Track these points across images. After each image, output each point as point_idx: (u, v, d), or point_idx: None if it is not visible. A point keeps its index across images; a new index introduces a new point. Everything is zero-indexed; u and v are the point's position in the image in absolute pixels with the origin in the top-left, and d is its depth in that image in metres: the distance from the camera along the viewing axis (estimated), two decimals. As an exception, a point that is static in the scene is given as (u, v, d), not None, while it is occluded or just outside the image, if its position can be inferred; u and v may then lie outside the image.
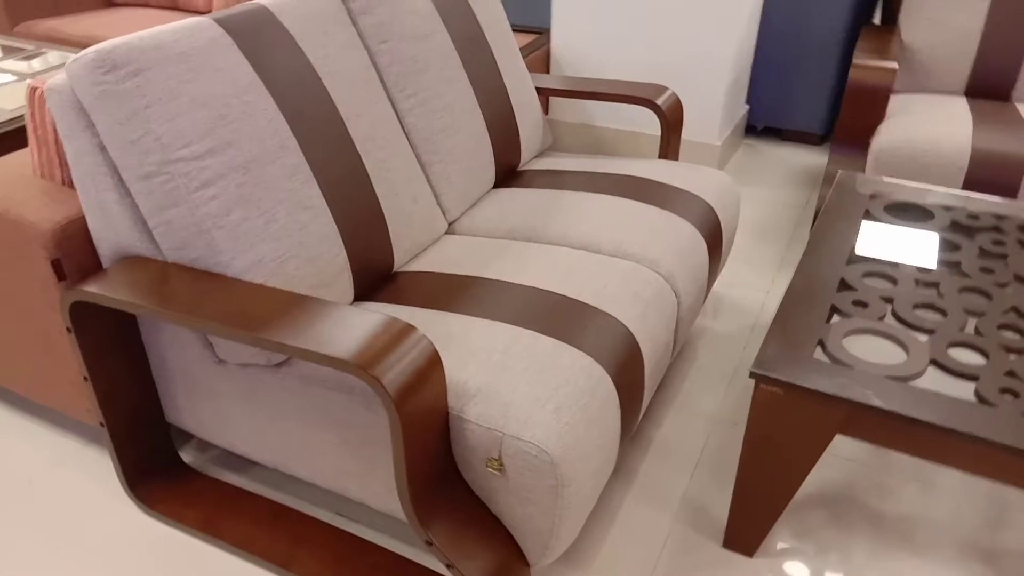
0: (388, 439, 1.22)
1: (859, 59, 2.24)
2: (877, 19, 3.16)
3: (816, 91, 3.08)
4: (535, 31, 3.11)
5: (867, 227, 1.66)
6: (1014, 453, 1.09)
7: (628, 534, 1.48)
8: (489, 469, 1.15)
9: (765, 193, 2.84)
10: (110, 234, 1.29)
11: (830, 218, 1.69)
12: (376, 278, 1.49)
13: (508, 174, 1.93)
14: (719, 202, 1.80)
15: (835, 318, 1.38)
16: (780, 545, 1.46)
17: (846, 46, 2.97)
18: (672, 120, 1.98)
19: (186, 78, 1.21)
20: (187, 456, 1.65)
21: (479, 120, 1.78)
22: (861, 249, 1.58)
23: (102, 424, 1.42)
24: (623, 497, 1.56)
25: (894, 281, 1.48)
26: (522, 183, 1.87)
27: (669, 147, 2.01)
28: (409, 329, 1.10)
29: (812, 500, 1.55)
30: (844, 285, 1.47)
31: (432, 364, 1.09)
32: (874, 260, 1.54)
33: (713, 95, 2.76)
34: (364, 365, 1.03)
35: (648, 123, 2.90)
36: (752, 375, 1.25)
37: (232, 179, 1.24)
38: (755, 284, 2.28)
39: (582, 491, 1.18)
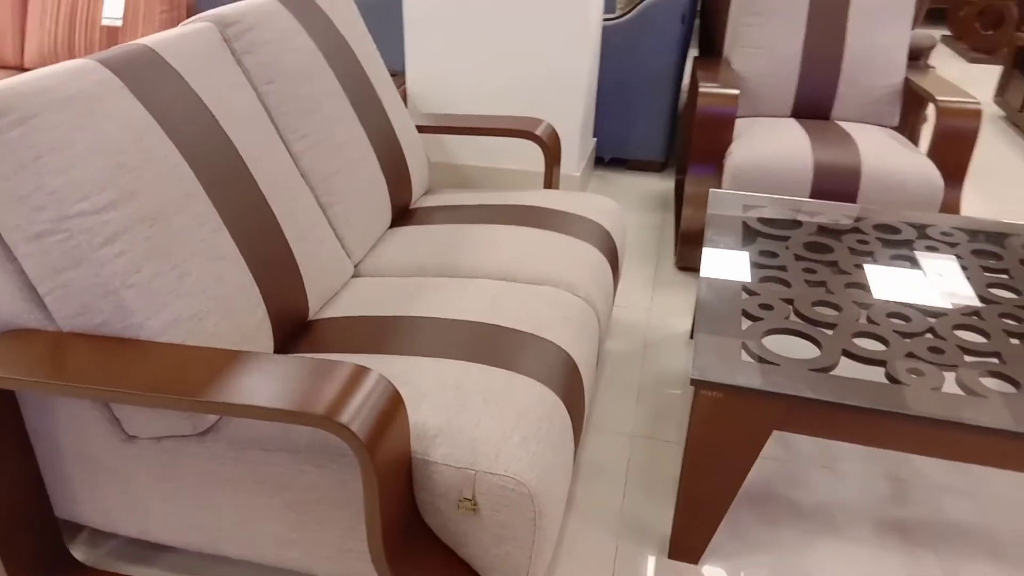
0: (339, 497, 1.14)
1: (705, 88, 2.43)
2: (693, 52, 3.44)
3: (655, 122, 3.29)
4: (389, 73, 3.10)
5: (749, 237, 1.79)
6: (939, 425, 1.20)
7: (578, 559, 1.47)
8: (461, 510, 1.10)
9: (627, 217, 2.98)
10: (-14, 306, 1.12)
11: (715, 232, 1.80)
12: (293, 328, 1.40)
13: (402, 213, 1.89)
14: (612, 226, 1.87)
15: (747, 322, 1.46)
16: (719, 548, 1.51)
17: (675, 77, 3.20)
18: (553, 150, 2.03)
19: (78, 124, 1.09)
20: (78, 554, 1.44)
21: (372, 159, 1.74)
22: (751, 257, 1.69)
23: (-18, 530, 1.21)
24: (566, 522, 1.55)
25: (787, 284, 1.60)
26: (419, 221, 1.83)
27: (552, 177, 2.06)
28: (364, 371, 1.04)
29: (738, 501, 1.62)
30: (747, 291, 1.56)
31: (395, 405, 1.04)
32: (765, 266, 1.66)
33: (570, 128, 2.87)
34: (328, 414, 0.96)
35: (512, 159, 2.96)
36: (693, 382, 1.29)
37: (139, 232, 1.12)
38: (636, 304, 2.38)
39: (554, 520, 1.15)
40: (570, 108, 2.83)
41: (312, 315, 1.47)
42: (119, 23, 2.89)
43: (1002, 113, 4.39)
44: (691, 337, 2.20)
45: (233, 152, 1.33)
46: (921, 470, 1.72)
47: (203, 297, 1.18)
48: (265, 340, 1.30)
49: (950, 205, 2.29)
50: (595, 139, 3.36)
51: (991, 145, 3.94)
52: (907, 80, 2.64)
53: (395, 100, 1.92)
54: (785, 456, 1.75)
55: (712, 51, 3.10)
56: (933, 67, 3.10)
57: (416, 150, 1.95)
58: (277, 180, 1.43)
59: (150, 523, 1.27)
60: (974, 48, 5.60)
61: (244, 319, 1.25)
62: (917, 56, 3.01)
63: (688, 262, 2.54)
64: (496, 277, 1.57)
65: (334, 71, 1.70)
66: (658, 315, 2.31)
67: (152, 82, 1.23)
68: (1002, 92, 4.33)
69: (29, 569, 1.30)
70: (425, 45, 2.82)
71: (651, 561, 1.47)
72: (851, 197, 2.26)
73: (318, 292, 1.47)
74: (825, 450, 1.77)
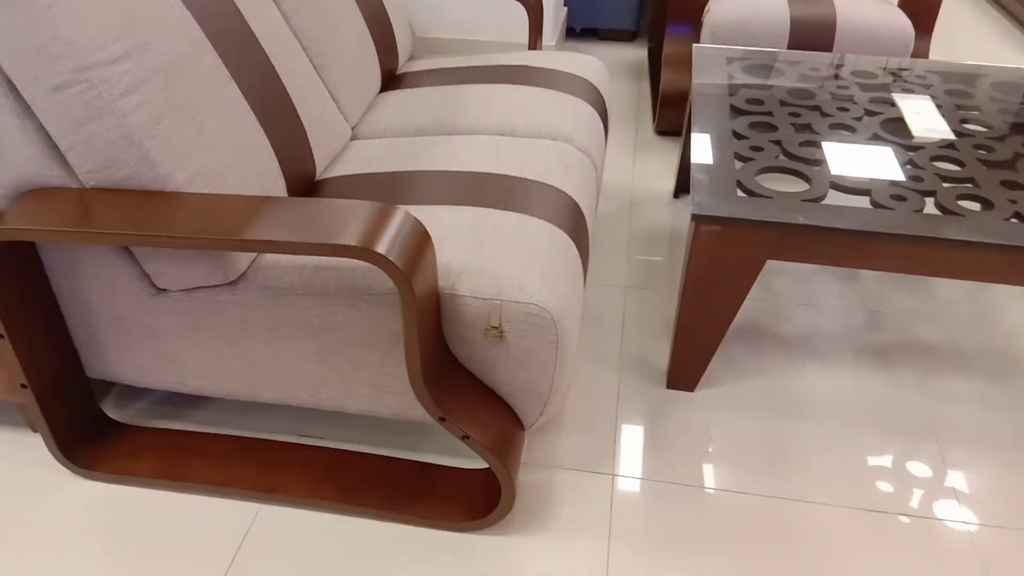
0: (371, 335, 1.21)
1: (681, -55, 2.40)
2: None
3: (625, -11, 3.25)
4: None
5: (735, 87, 1.83)
6: (922, 242, 1.30)
7: (584, 392, 1.58)
8: (489, 339, 1.18)
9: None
10: (7, 168, 1.13)
11: (702, 83, 1.84)
12: (303, 186, 1.43)
13: (390, 78, 1.89)
14: (600, 82, 1.89)
15: (739, 163, 1.53)
16: (713, 377, 1.63)
17: (646, -57, 3.14)
18: (537, 9, 2.02)
19: (83, -28, 1.07)
20: (109, 414, 1.51)
21: (359, 20, 1.72)
22: (738, 104, 1.74)
23: (24, 386, 1.26)
24: (571, 364, 1.65)
25: (775, 128, 1.66)
26: (409, 84, 1.84)
27: (536, 39, 2.06)
28: (391, 208, 1.09)
29: (727, 336, 1.74)
30: (737, 135, 1.62)
31: (424, 239, 1.09)
32: (752, 112, 1.71)
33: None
34: (366, 245, 1.01)
35: (486, 30, 2.92)
36: (693, 217, 1.36)
37: (155, 83, 1.12)
38: (619, 167, 2.43)
39: (572, 345, 1.24)
40: (542, -26, 2.78)
41: (318, 175, 1.49)
42: None
43: (964, -27, 4.40)
44: (675, 196, 2.27)
45: (233, 7, 1.32)
46: (893, 301, 1.85)
47: (221, 149, 1.20)
48: (281, 194, 1.33)
49: (920, 53, 2.35)
50: (566, 8, 3.31)
51: (950, 2, 3.97)
52: (878, -67, 2.64)
53: (375, -39, 1.88)
54: (768, 297, 1.86)
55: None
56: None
57: (399, 14, 1.93)
58: (274, 38, 1.42)
59: (186, 375, 1.33)
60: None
61: (261, 172, 1.27)
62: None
63: (667, 126, 2.59)
64: (495, 132, 1.61)
65: (316, -73, 1.65)
66: (641, 177, 2.37)
67: (146, -68, 1.20)
68: (964, -49, 4.32)
69: (72, 426, 1.37)
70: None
71: (651, 392, 1.59)
72: (827, 49, 2.30)
73: (322, 151, 1.49)
74: (804, 289, 1.89)
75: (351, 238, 1.02)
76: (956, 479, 1.41)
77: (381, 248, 1.01)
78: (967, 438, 1.49)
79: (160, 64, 1.13)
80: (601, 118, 1.79)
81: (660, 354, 1.68)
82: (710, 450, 1.46)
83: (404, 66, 1.98)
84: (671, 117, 2.56)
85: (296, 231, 1.04)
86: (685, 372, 1.58)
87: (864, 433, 1.49)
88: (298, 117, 1.41)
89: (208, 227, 1.05)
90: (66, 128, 1.09)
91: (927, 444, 1.47)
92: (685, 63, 2.46)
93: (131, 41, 1.10)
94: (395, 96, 1.79)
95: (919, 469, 1.42)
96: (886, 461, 1.44)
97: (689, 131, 2.04)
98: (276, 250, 1.03)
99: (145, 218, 1.07)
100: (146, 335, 1.29)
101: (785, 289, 1.89)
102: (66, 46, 1.04)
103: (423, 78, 1.86)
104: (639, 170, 2.42)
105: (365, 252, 1.01)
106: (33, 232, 1.08)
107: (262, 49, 1.36)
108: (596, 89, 1.84)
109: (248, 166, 1.25)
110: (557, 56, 1.94)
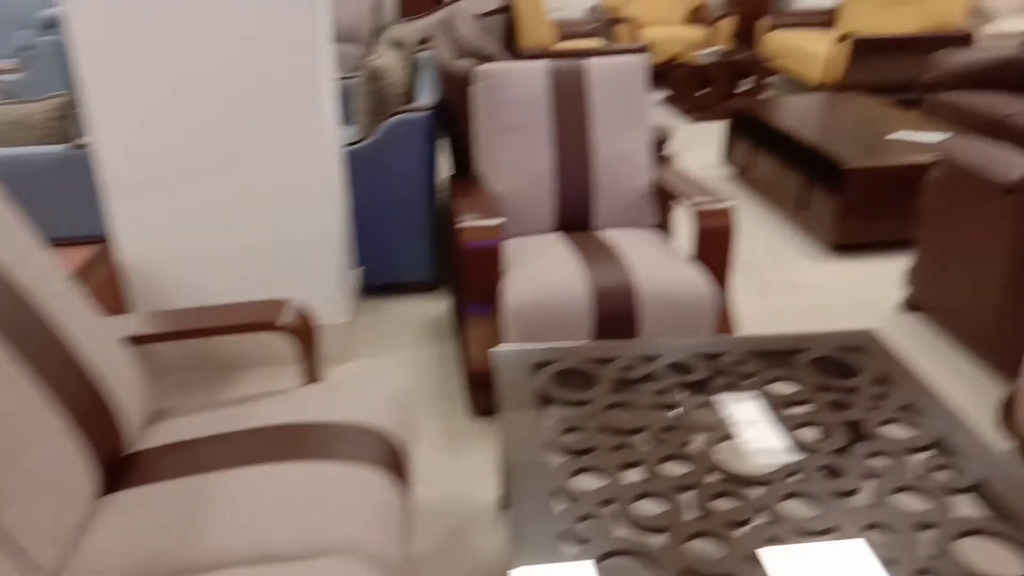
0: None
1: (466, 222, 2.24)
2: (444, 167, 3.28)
3: (416, 243, 3.08)
4: (90, 240, 2.58)
5: (546, 407, 1.58)
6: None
7: None
8: None
9: (407, 355, 2.71)
10: None
11: (511, 410, 1.57)
12: None
13: (116, 467, 1.46)
14: (390, 420, 1.57)
15: (570, 548, 1.23)
16: None
17: (429, 195, 3.01)
18: (305, 336, 1.71)
19: None
20: None
21: (53, 419, 1.31)
22: (555, 437, 1.48)
23: None
24: None
25: (605, 472, 1.40)
26: (142, 477, 1.42)
27: (311, 365, 1.73)
28: None
29: None
30: (566, 496, 1.33)
31: None
32: (574, 451, 1.45)
33: (326, 278, 2.56)
34: None
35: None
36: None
37: None
38: (435, 472, 2.09)
39: None
40: (323, 255, 2.53)
41: None
42: None
43: (734, 171, 4.70)
44: (502, 508, 1.95)
45: None
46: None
47: None
48: None
49: (723, 307, 2.28)
50: (362, 267, 3.07)
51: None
52: (656, 179, 2.64)
53: (83, 319, 1.50)
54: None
55: (465, 167, 2.95)
56: (674, 154, 3.19)
57: (123, 375, 1.54)
58: None
59: None
60: (689, 110, 5.97)
61: None
62: (659, 144, 3.07)
63: (483, 408, 2.31)
64: (255, 561, 1.21)
65: (-18, 318, 1.26)
66: (462, 482, 2.05)
67: None
68: (729, 152, 4.64)
69: None
70: (135, 215, 2.38)
71: None
72: (632, 319, 2.15)
73: (-12, 663, 1.02)
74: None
75: None
76: None
77: None
78: None
79: None
80: (396, 472, 1.45)
81: None
82: None
83: (141, 436, 1.57)
84: (484, 399, 2.29)
85: None
86: None
87: None
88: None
89: None
90: None
91: None
92: (490, 341, 2.24)
93: None
94: (120, 502, 1.36)
95: None
96: None
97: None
98: None
99: None
100: None
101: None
102: None
103: (162, 462, 1.45)
104: (458, 471, 2.09)
105: None
106: None
107: None
108: (384, 437, 1.52)
109: None
110: (335, 397, 1.61)
